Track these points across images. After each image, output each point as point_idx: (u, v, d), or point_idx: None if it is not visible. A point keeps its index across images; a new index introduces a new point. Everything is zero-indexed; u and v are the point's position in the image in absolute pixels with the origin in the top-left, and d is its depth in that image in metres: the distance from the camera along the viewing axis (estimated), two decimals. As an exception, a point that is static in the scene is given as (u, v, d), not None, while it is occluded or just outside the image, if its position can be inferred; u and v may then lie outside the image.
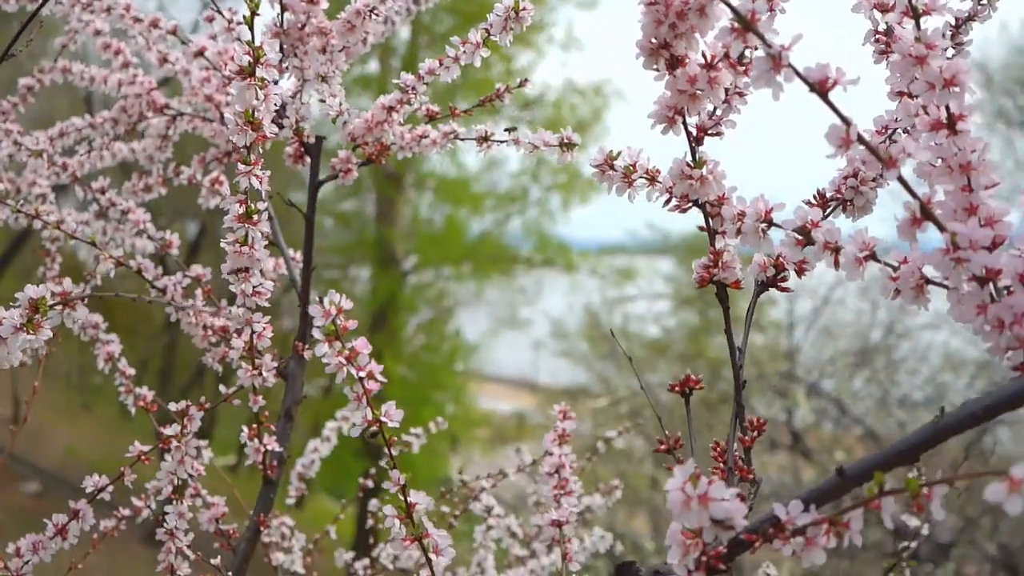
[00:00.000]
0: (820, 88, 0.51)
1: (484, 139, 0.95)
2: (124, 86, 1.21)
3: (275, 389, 1.12)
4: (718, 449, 0.66)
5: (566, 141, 0.84)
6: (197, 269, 1.05)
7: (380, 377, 0.63)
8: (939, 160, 0.56)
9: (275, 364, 0.92)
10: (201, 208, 1.22)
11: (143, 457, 0.93)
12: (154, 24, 1.10)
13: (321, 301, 0.61)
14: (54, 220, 0.98)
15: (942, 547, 5.91)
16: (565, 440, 0.98)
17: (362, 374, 0.62)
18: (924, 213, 0.52)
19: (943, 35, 0.72)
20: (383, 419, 0.63)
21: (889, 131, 0.69)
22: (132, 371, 1.10)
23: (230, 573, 0.94)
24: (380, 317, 10.86)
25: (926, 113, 0.56)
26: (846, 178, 0.68)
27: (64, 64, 1.29)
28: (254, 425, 0.96)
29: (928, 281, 0.55)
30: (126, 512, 1.15)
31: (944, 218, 0.54)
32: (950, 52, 0.73)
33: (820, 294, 7.25)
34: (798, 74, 0.50)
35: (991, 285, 0.52)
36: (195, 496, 1.01)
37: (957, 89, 0.53)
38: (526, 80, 1.01)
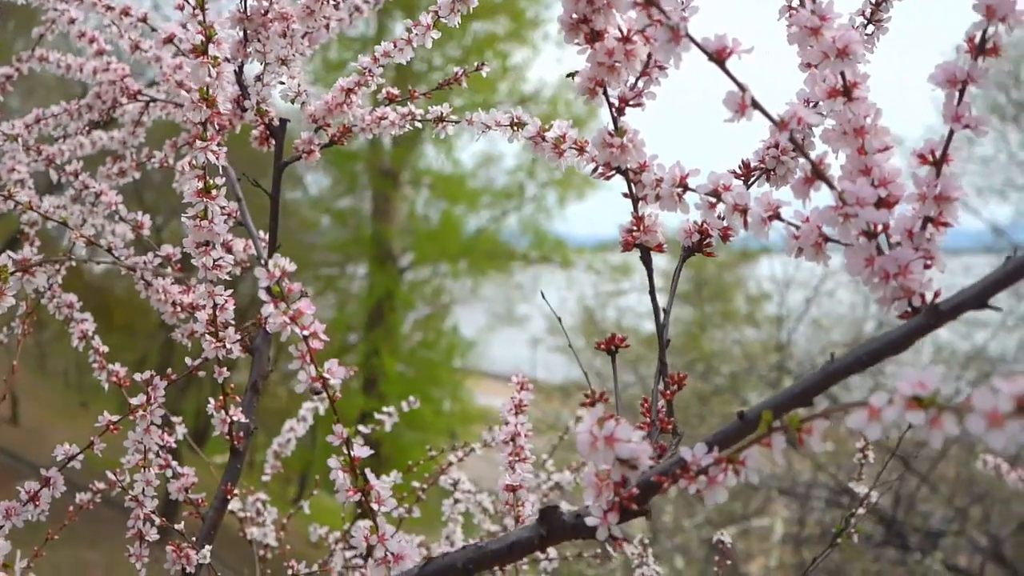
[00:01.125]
0: (718, 57, 0.54)
1: (440, 119, 0.99)
2: (99, 73, 1.24)
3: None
4: (645, 405, 0.69)
5: (516, 121, 0.88)
6: (167, 249, 1.09)
7: (323, 336, 0.66)
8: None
9: (238, 337, 0.95)
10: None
11: (111, 427, 0.97)
12: (125, 12, 1.14)
13: (266, 265, 0.65)
14: (26, 200, 1.01)
15: (931, 536, 5.95)
16: (521, 410, 1.02)
17: (306, 332, 0.65)
18: (816, 173, 0.56)
19: (862, 12, 0.77)
20: (326, 375, 0.66)
21: (810, 104, 0.73)
22: (106, 348, 1.14)
23: (195, 538, 0.98)
24: (377, 314, 10.90)
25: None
26: (768, 148, 0.72)
27: (41, 52, 1.33)
28: (220, 397, 1.00)
29: (827, 239, 0.58)
30: (100, 485, 1.19)
31: (844, 179, 0.58)
32: (870, 29, 0.76)
33: (812, 285, 7.31)
34: (696, 44, 0.54)
35: (880, 239, 0.56)
36: (166, 467, 1.05)
37: (850, 58, 0.57)
38: (483, 64, 1.05)
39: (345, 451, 0.68)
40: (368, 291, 11.05)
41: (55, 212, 1.05)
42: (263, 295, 0.65)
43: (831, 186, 0.55)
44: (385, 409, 1.38)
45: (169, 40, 1.10)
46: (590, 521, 0.59)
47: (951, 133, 0.56)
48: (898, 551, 6.02)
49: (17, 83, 1.38)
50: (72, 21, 1.24)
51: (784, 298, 7.35)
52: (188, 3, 1.02)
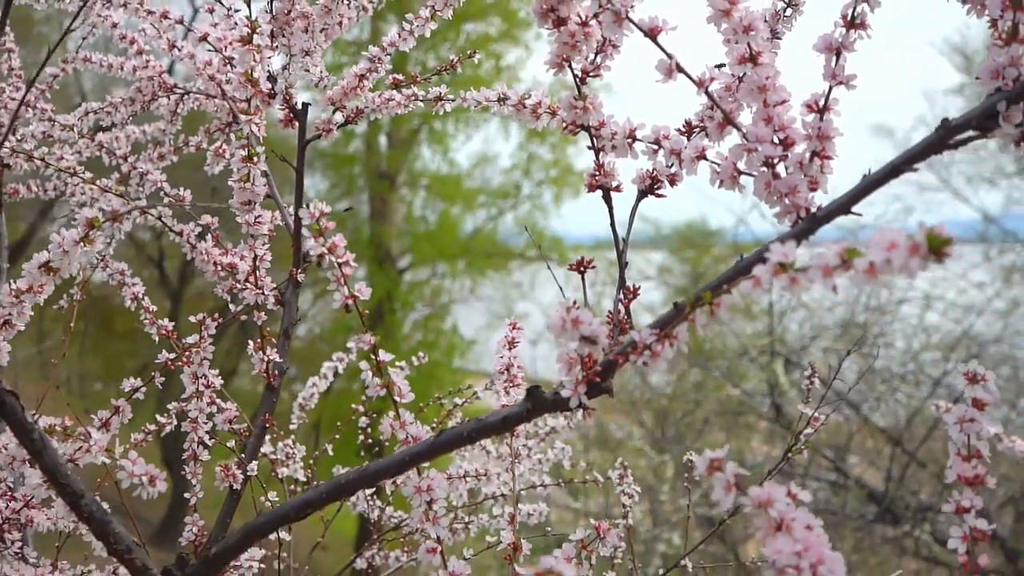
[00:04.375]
0: (651, 33, 0.72)
1: (439, 99, 1.17)
2: (139, 71, 1.42)
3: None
4: (610, 314, 0.87)
5: (502, 96, 1.05)
6: (207, 218, 1.27)
7: (352, 263, 0.84)
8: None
9: (275, 286, 1.13)
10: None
11: (169, 363, 1.14)
12: (164, 16, 1.31)
13: (308, 206, 0.82)
14: (89, 176, 1.19)
15: (921, 511, 6.14)
16: (514, 345, 1.19)
17: (340, 260, 0.83)
18: (726, 119, 0.74)
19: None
20: (356, 294, 0.84)
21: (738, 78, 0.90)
22: (154, 308, 1.31)
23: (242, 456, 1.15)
24: (377, 315, 11.07)
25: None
26: (706, 111, 0.90)
27: (84, 54, 1.50)
28: (258, 340, 1.18)
29: (739, 172, 0.76)
30: (151, 427, 1.37)
31: (752, 125, 0.76)
32: (788, 11, 0.94)
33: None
34: (635, 24, 0.72)
35: (778, 168, 0.73)
36: (211, 404, 1.22)
37: (754, 32, 0.74)
38: (475, 51, 1.23)
39: (372, 356, 0.86)
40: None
41: (113, 189, 1.23)
42: (305, 231, 0.83)
43: (738, 128, 0.73)
44: (398, 364, 1.54)
45: (204, 39, 1.28)
46: (564, 393, 0.76)
47: (830, 88, 0.74)
48: (890, 527, 6.20)
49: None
50: (115, 25, 1.42)
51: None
52: (220, 3, 1.21)
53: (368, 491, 1.61)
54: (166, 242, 10.63)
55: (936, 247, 0.49)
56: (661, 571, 1.76)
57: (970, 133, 0.66)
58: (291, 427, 1.61)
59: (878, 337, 7.04)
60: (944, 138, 0.66)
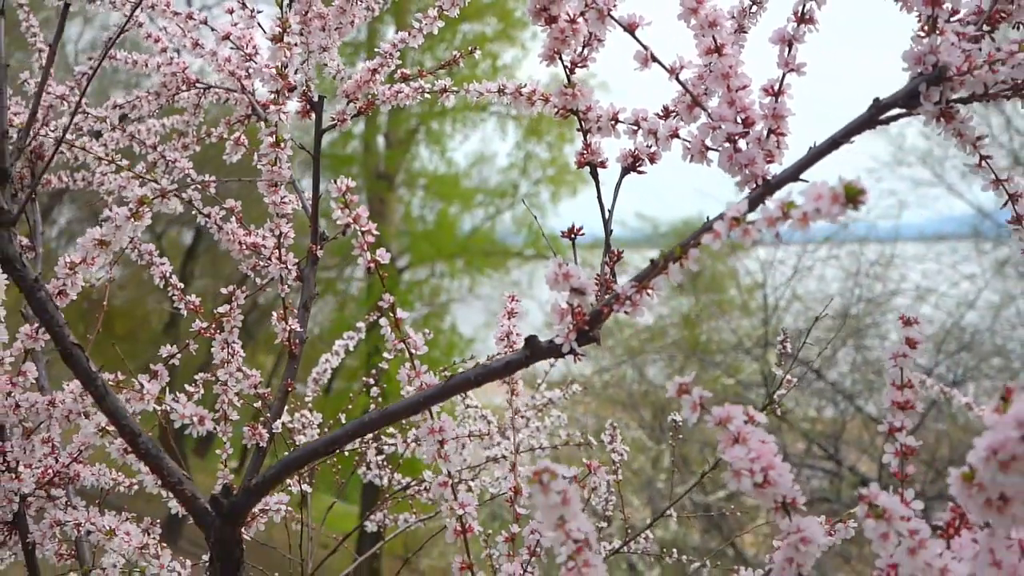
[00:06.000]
0: (629, 28, 0.84)
1: (444, 91, 1.29)
2: (162, 67, 1.53)
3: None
4: (597, 277, 0.99)
5: (501, 88, 1.17)
6: (231, 202, 1.38)
7: (375, 232, 0.96)
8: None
9: (297, 261, 1.25)
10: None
11: (201, 331, 1.26)
12: (189, 16, 1.43)
13: (335, 182, 0.94)
14: (126, 163, 1.30)
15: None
16: (513, 315, 1.31)
17: (364, 229, 0.95)
18: (694, 102, 0.86)
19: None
20: (378, 258, 0.96)
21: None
22: (181, 284, 1.43)
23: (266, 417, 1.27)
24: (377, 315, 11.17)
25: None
26: (681, 95, 1.02)
27: (111, 53, 1.62)
28: (281, 311, 1.30)
29: (707, 147, 0.88)
30: (182, 396, 1.48)
31: (717, 108, 0.88)
32: (754, 8, 1.06)
33: (793, 264, 7.63)
34: (615, 20, 0.84)
35: (740, 143, 0.85)
36: (238, 370, 1.34)
37: (719, 27, 0.86)
38: (476, 48, 1.35)
39: (391, 314, 0.98)
40: (367, 292, 11.35)
41: (147, 176, 1.34)
42: (333, 204, 0.94)
43: (704, 109, 0.85)
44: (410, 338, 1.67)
45: (226, 37, 1.40)
46: (557, 340, 0.88)
47: (784, 75, 0.86)
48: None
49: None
50: (140, 24, 1.53)
51: (767, 277, 7.66)
52: (244, 7, 1.32)
53: (378, 456, 1.73)
54: (166, 243, 10.74)
55: (852, 196, 0.61)
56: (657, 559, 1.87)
57: (898, 111, 0.78)
58: (306, 400, 1.73)
59: (869, 328, 7.17)
60: (875, 115, 0.78)
